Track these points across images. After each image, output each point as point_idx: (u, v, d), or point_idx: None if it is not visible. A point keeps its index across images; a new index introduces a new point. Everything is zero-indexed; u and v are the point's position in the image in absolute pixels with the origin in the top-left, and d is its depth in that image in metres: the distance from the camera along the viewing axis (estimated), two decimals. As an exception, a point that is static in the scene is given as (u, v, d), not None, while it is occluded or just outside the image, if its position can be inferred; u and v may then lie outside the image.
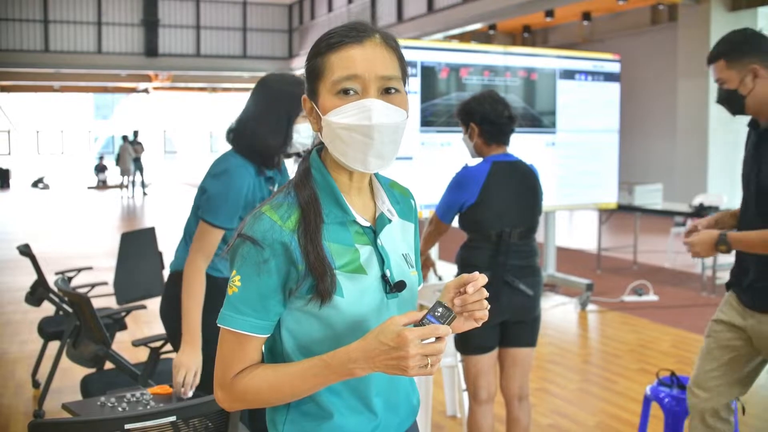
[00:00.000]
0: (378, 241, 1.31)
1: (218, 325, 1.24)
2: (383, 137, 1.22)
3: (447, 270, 3.32)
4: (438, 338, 1.13)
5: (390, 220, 1.34)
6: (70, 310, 3.92)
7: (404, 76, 1.28)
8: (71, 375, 4.30)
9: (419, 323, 1.14)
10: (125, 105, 30.87)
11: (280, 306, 1.24)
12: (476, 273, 1.25)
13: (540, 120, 6.20)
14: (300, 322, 1.25)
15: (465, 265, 2.89)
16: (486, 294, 1.25)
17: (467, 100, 2.94)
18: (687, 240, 2.47)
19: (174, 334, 2.48)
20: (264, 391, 1.22)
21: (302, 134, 2.46)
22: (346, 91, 1.21)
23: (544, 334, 5.30)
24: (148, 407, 2.03)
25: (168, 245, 7.82)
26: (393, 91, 1.24)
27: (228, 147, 2.50)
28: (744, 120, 2.53)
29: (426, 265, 3.19)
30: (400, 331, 1.11)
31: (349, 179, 1.30)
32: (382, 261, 1.30)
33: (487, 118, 2.84)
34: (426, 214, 5.09)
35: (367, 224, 1.31)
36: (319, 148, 1.32)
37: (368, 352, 1.14)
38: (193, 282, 2.35)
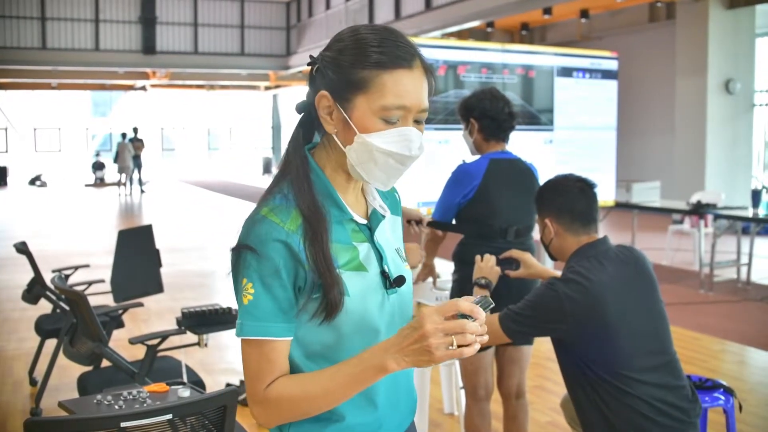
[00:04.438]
0: (374, 237, 1.31)
1: (238, 337, 1.22)
2: (411, 165, 1.25)
3: (444, 267, 3.31)
4: (464, 316, 1.09)
5: (383, 216, 1.34)
6: (67, 307, 3.92)
7: (431, 95, 1.28)
8: (68, 373, 4.29)
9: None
10: (123, 102, 30.81)
11: (295, 307, 1.22)
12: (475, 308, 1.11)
13: (538, 117, 6.19)
14: (309, 328, 1.24)
15: (462, 262, 2.89)
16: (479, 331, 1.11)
17: (468, 96, 2.96)
18: None
19: None
20: (298, 399, 1.19)
21: None
22: (391, 118, 1.21)
23: (541, 331, 5.28)
24: (145, 405, 2.03)
25: (165, 243, 7.77)
26: (423, 120, 1.26)
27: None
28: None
29: (431, 274, 3.20)
30: (416, 322, 1.11)
31: (347, 181, 1.30)
32: (379, 257, 1.30)
33: (486, 114, 2.85)
34: (423, 212, 5.08)
35: (363, 222, 1.31)
36: (310, 146, 1.31)
37: (397, 341, 1.12)
38: None
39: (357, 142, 1.22)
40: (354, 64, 1.21)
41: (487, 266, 2.50)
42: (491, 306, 1.14)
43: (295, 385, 1.20)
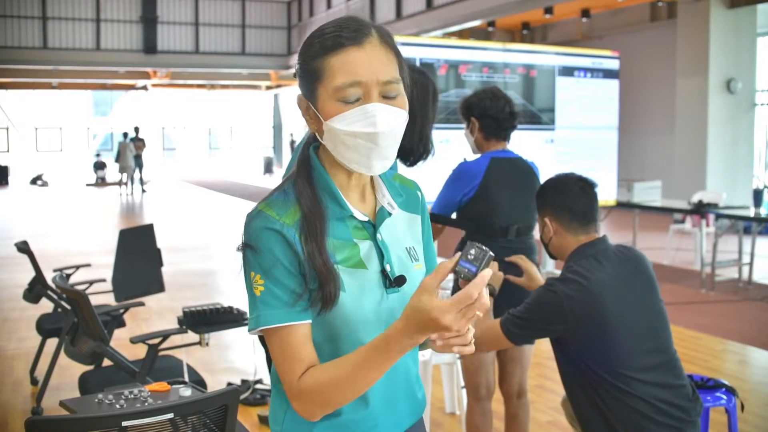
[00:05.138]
0: (378, 235, 1.30)
1: (255, 330, 1.22)
2: (387, 141, 1.22)
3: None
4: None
5: (390, 214, 1.33)
6: (68, 307, 3.92)
7: (402, 73, 1.26)
8: (69, 372, 4.29)
9: (453, 270, 1.10)
10: (124, 102, 30.83)
11: (304, 287, 1.22)
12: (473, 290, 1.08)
13: (539, 117, 6.19)
14: None
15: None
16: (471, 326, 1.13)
17: (469, 95, 2.97)
18: None
19: None
20: (329, 388, 1.19)
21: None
22: (348, 97, 1.21)
23: (542, 331, 5.28)
24: (146, 404, 2.03)
25: (166, 242, 7.76)
26: (394, 94, 1.23)
27: None
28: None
29: None
30: (429, 318, 1.07)
31: (348, 177, 1.30)
32: (381, 255, 1.29)
33: (486, 113, 2.86)
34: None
35: (365, 218, 1.30)
36: (316, 145, 1.32)
37: (418, 327, 1.10)
38: None
39: (325, 131, 1.24)
40: (308, 58, 1.24)
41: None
42: (490, 256, 1.11)
43: (323, 374, 1.19)
